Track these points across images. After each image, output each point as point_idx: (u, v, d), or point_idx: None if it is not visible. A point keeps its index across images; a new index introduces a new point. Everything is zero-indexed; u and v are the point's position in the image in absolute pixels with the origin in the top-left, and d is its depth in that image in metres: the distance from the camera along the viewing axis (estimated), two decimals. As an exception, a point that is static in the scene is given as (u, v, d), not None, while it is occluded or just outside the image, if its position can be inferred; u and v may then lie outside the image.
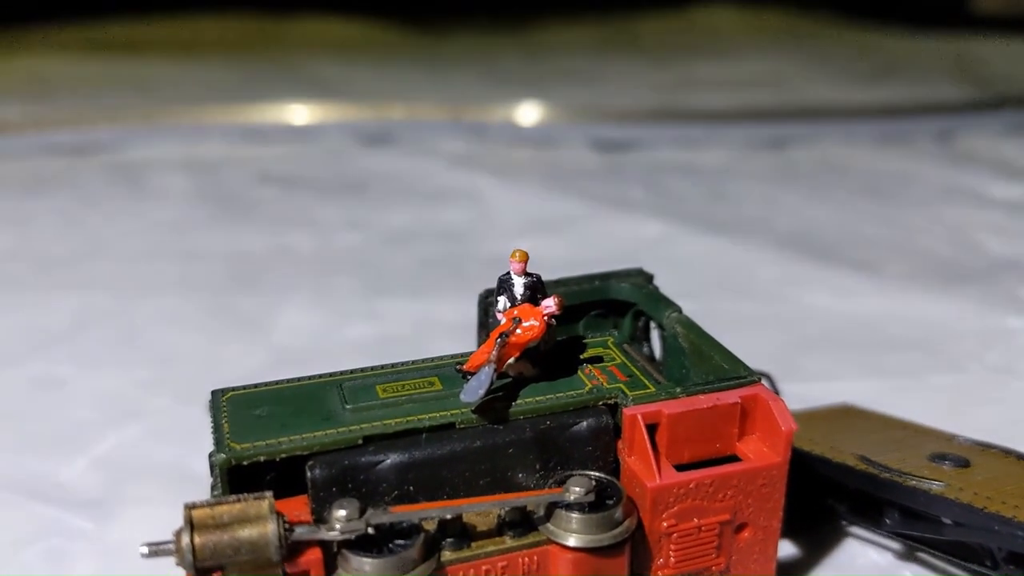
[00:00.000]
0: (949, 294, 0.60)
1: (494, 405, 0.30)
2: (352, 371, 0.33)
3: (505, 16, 1.80)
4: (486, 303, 0.36)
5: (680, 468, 0.30)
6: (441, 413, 0.30)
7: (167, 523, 0.28)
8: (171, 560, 0.26)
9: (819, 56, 1.44)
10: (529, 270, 0.32)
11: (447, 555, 0.28)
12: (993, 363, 0.52)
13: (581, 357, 0.33)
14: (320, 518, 0.28)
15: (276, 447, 0.28)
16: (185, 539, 0.25)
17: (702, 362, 0.33)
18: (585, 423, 0.30)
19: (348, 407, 0.30)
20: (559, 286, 0.37)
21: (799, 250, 0.69)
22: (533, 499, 0.29)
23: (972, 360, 0.52)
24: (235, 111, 1.04)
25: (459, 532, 0.29)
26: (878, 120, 1.01)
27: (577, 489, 0.29)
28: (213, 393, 0.32)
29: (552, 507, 0.29)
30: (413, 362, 0.33)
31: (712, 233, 0.72)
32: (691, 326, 0.35)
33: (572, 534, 0.29)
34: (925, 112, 1.04)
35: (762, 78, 1.29)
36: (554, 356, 0.32)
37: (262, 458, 0.28)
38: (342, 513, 0.27)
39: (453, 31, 1.69)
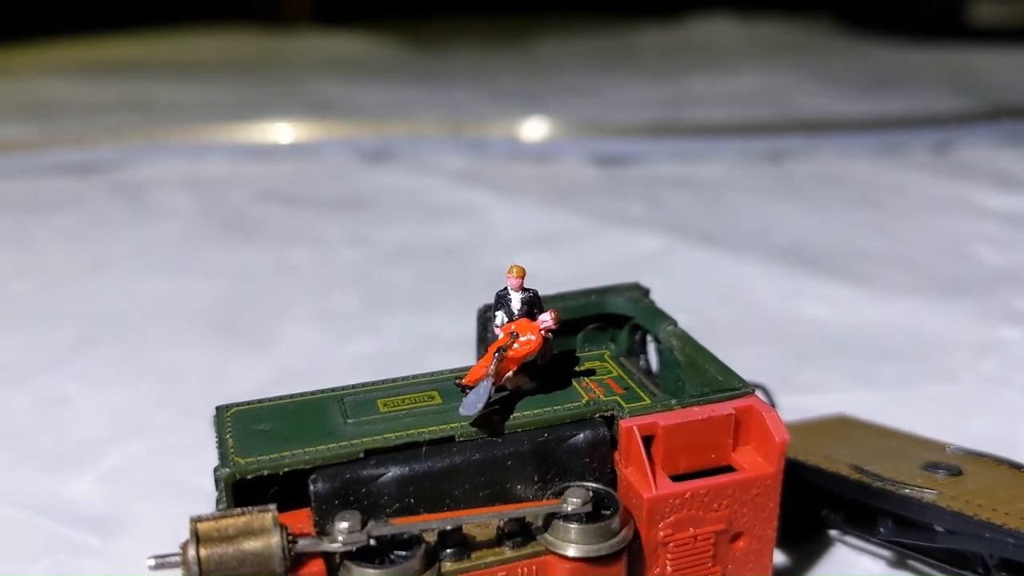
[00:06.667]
0: (944, 305, 0.61)
1: (492, 418, 0.31)
2: (353, 386, 0.33)
3: (504, 32, 1.81)
4: (484, 318, 0.36)
5: (676, 479, 0.31)
6: (441, 427, 0.30)
7: (173, 537, 0.28)
8: (177, 572, 0.27)
9: (816, 68, 1.45)
10: (527, 285, 0.32)
11: (447, 566, 0.29)
12: (987, 373, 0.52)
13: (578, 370, 0.34)
14: (323, 530, 0.28)
15: (279, 461, 0.29)
16: (191, 552, 0.26)
17: (697, 374, 0.34)
18: (582, 435, 0.31)
19: (349, 421, 0.31)
20: (556, 301, 0.37)
21: (796, 262, 0.69)
22: (531, 510, 0.30)
23: (967, 370, 0.53)
24: (237, 129, 1.04)
25: (459, 543, 0.29)
26: (875, 132, 1.02)
27: (575, 500, 0.29)
28: (217, 409, 0.32)
29: (550, 518, 0.29)
30: (413, 377, 0.34)
31: (710, 246, 0.73)
32: (686, 339, 0.35)
33: (570, 544, 0.29)
34: (922, 123, 1.04)
35: (760, 91, 1.30)
36: (551, 370, 0.33)
37: (266, 472, 0.29)
38: (344, 525, 0.27)
39: (452, 47, 1.70)
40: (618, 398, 0.32)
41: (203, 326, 0.61)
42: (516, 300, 0.32)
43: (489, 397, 0.30)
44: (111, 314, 0.63)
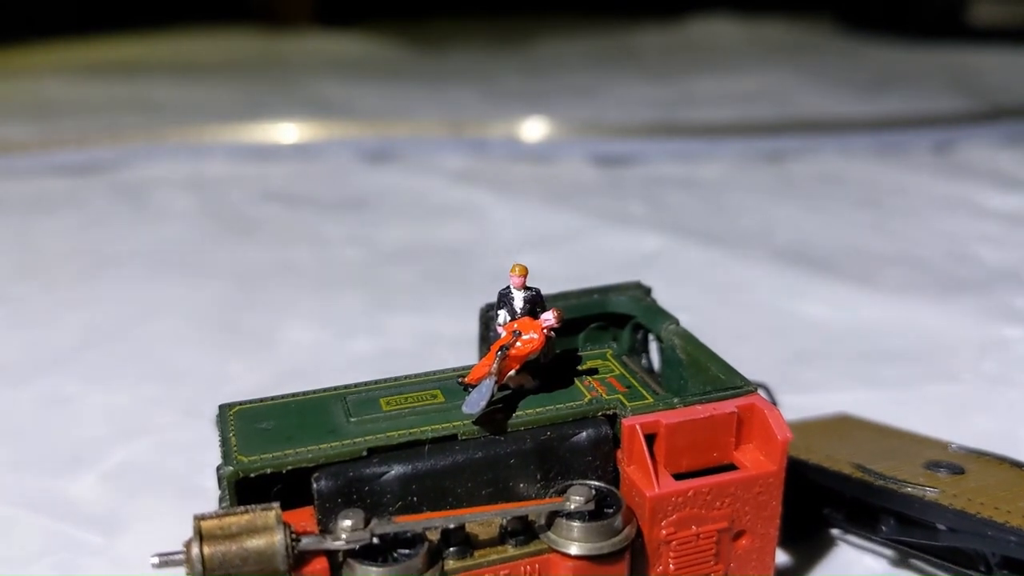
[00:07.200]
0: (945, 304, 0.61)
1: (495, 417, 0.31)
2: (356, 384, 0.33)
3: (504, 32, 1.81)
4: (487, 317, 0.36)
5: (678, 477, 0.31)
6: (443, 425, 0.30)
7: (175, 536, 0.28)
8: (181, 570, 0.27)
9: (816, 69, 1.45)
10: (529, 284, 0.32)
11: (450, 564, 0.29)
12: (989, 372, 0.52)
13: (580, 369, 0.34)
14: (326, 528, 0.28)
15: (282, 459, 0.29)
16: (195, 549, 0.26)
17: (699, 373, 0.34)
18: (585, 433, 0.31)
19: (352, 420, 0.31)
20: (558, 300, 0.37)
21: (796, 262, 0.69)
22: (534, 508, 0.30)
23: (968, 370, 0.53)
24: (238, 129, 1.04)
25: (462, 541, 0.29)
26: (875, 132, 1.02)
27: (577, 498, 0.29)
28: (220, 407, 0.32)
29: (553, 516, 0.30)
30: (416, 375, 0.34)
31: (710, 246, 0.73)
32: (688, 338, 0.35)
33: (573, 542, 0.29)
34: (922, 124, 1.05)
35: (760, 91, 1.30)
36: (554, 368, 0.33)
37: (269, 470, 0.29)
38: (347, 523, 0.27)
39: (453, 48, 1.70)
40: (620, 396, 0.32)
41: (205, 326, 0.61)
42: (518, 299, 0.32)
43: (491, 396, 0.30)
44: (112, 314, 0.63)
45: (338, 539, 0.27)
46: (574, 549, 0.29)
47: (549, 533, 0.29)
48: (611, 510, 0.30)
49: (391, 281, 0.68)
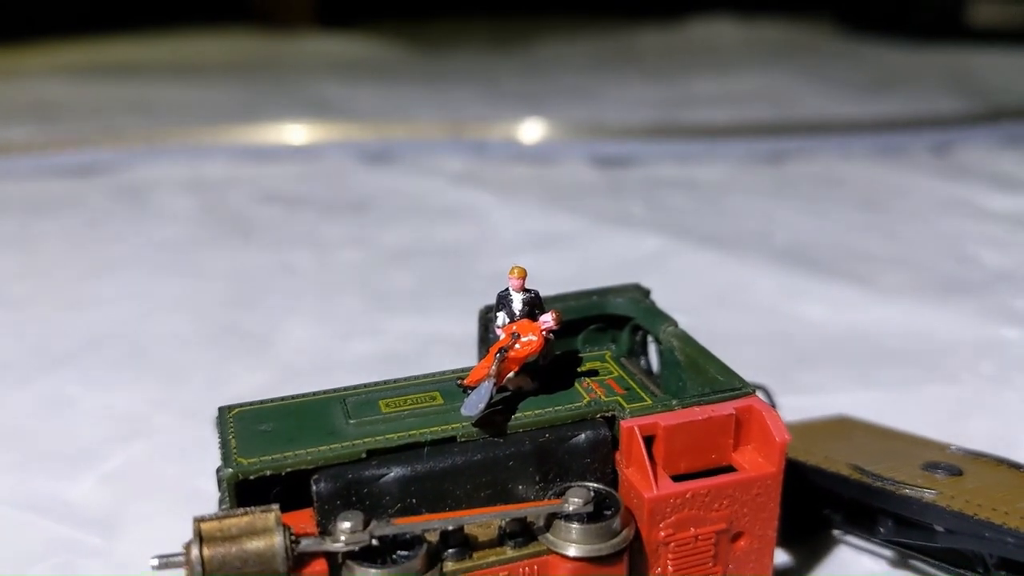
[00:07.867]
0: (945, 306, 0.61)
1: (494, 419, 0.31)
2: (355, 386, 0.33)
3: (505, 33, 1.81)
4: (486, 319, 0.36)
5: (677, 479, 0.31)
6: (442, 427, 0.30)
7: (175, 538, 0.28)
8: (181, 572, 0.27)
9: (816, 70, 1.45)
10: (528, 286, 0.33)
11: (449, 566, 0.29)
12: (987, 373, 0.52)
13: (579, 371, 0.34)
14: (325, 530, 0.29)
15: (282, 461, 0.29)
16: (195, 551, 0.26)
17: (698, 375, 0.34)
18: (583, 435, 0.31)
19: (351, 422, 0.31)
20: (557, 301, 0.37)
21: (796, 263, 0.69)
22: (533, 510, 0.30)
23: (966, 371, 0.53)
24: (238, 131, 1.05)
25: (461, 543, 0.29)
26: (875, 133, 1.02)
27: (576, 500, 0.29)
28: (220, 410, 0.32)
29: (551, 518, 0.30)
30: (415, 377, 0.34)
31: (710, 247, 0.73)
32: (687, 339, 0.35)
33: (571, 544, 0.29)
34: (922, 125, 1.05)
35: (759, 92, 1.30)
36: (553, 370, 0.33)
37: (268, 472, 0.29)
38: (346, 525, 0.27)
39: (453, 49, 1.70)
40: (619, 398, 0.32)
41: (204, 327, 0.61)
42: (517, 301, 0.32)
43: (491, 398, 0.30)
44: (113, 315, 0.63)
45: (337, 541, 0.27)
46: (572, 551, 0.29)
47: (548, 535, 0.30)
48: (609, 512, 0.30)
49: (390, 283, 0.68)
